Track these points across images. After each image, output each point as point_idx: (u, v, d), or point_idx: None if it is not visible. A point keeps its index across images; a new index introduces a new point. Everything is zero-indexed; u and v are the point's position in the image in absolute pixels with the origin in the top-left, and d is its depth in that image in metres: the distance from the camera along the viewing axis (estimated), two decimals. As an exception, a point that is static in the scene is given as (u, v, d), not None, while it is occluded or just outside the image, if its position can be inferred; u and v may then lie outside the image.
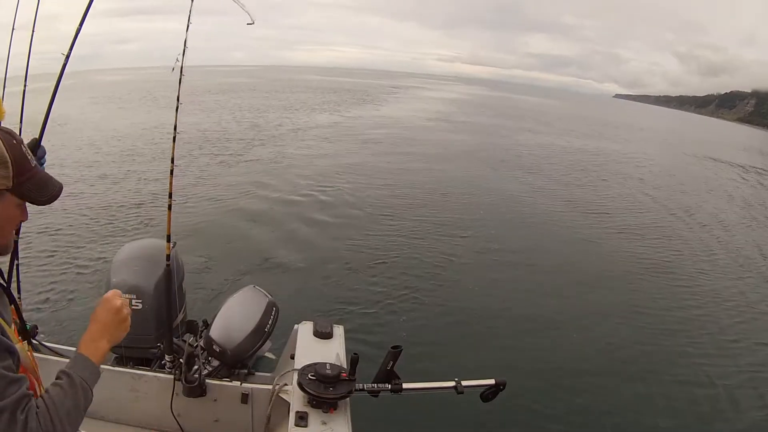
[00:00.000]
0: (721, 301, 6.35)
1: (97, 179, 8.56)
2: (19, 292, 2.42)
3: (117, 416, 1.98)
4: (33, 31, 2.55)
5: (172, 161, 2.35)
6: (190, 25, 2.27)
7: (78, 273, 5.09)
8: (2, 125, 0.98)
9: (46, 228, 6.16)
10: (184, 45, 2.24)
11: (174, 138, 2.37)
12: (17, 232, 2.28)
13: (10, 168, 0.90)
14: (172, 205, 2.19)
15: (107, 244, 5.83)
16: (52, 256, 5.42)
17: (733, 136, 53.72)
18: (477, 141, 19.10)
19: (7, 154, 0.89)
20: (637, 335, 5.21)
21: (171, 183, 2.21)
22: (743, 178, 17.71)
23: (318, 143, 14.83)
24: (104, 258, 5.31)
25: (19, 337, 1.01)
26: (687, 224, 10.23)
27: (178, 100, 2.33)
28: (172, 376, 1.96)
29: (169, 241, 2.11)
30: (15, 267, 2.44)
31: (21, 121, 2.49)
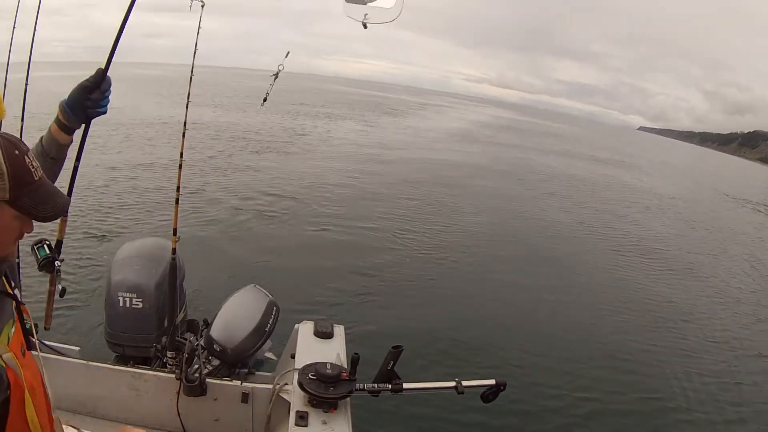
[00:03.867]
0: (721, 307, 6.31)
1: (97, 178, 8.56)
2: (20, 291, 2.42)
3: (117, 415, 1.99)
4: (34, 32, 2.55)
5: (181, 156, 2.38)
6: (203, 28, 2.31)
7: (79, 272, 5.09)
8: (7, 132, 0.94)
9: (47, 226, 6.16)
10: (195, 47, 2.27)
11: (183, 134, 2.43)
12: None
13: (7, 180, 0.85)
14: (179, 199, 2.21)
15: (108, 242, 5.83)
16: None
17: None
18: (498, 157, 19.19)
19: (3, 165, 0.84)
20: (640, 336, 5.21)
21: (179, 177, 2.22)
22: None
23: (332, 152, 14.84)
24: (105, 257, 5.31)
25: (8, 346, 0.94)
26: (691, 242, 10.23)
27: (188, 97, 2.38)
28: (172, 375, 1.96)
29: (175, 234, 2.11)
30: (17, 266, 2.44)
31: (22, 119, 2.49)
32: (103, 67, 1.20)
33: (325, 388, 1.61)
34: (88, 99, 1.17)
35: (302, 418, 1.55)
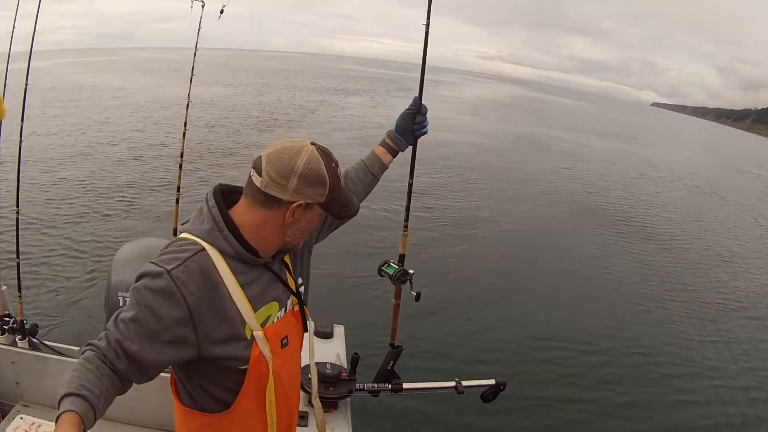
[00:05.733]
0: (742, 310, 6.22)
1: (96, 178, 8.56)
2: (19, 291, 2.43)
3: (117, 415, 1.98)
4: (34, 31, 2.55)
5: (182, 155, 2.40)
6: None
7: (79, 271, 5.09)
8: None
9: (47, 226, 6.17)
10: (195, 47, 2.29)
11: (183, 134, 2.44)
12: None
13: (327, 187, 1.01)
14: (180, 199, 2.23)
15: (108, 242, 5.84)
16: (53, 254, 5.42)
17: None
18: (508, 136, 19.12)
19: (327, 176, 1.01)
20: (640, 335, 5.20)
21: (180, 177, 2.25)
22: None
23: (343, 135, 14.69)
24: (105, 257, 5.31)
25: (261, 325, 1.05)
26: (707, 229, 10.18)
27: (188, 97, 2.39)
28: (172, 376, 1.96)
29: (175, 234, 2.12)
30: (17, 266, 2.45)
31: (22, 119, 2.49)
32: (417, 94, 1.50)
33: (325, 388, 1.61)
34: (414, 123, 1.45)
35: (302, 418, 1.56)
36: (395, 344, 1.84)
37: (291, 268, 1.18)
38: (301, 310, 1.19)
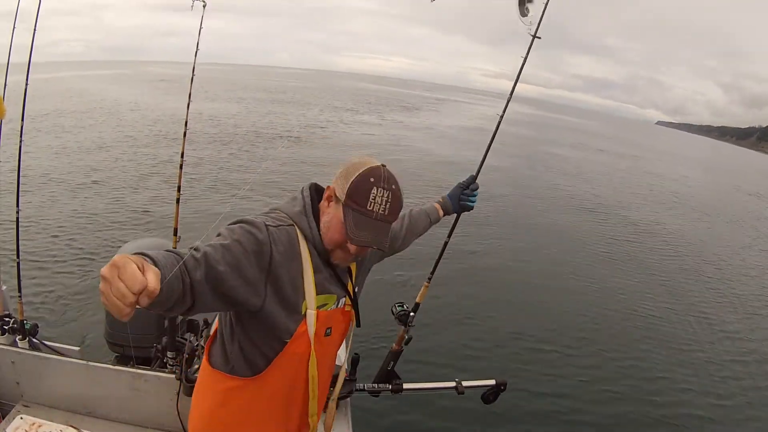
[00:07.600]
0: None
1: (99, 178, 8.56)
2: (20, 291, 2.43)
3: (117, 415, 1.98)
4: (34, 30, 2.54)
5: (182, 156, 2.41)
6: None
7: (79, 271, 5.09)
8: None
9: (48, 226, 6.17)
10: (197, 47, 2.29)
11: (184, 133, 2.45)
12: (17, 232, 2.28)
13: (347, 187, 1.05)
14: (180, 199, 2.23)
15: (108, 242, 5.84)
16: (54, 254, 5.42)
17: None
18: (510, 152, 19.16)
19: (358, 179, 1.05)
20: (640, 335, 5.20)
21: (180, 177, 2.26)
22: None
23: (346, 146, 14.78)
24: (105, 257, 5.31)
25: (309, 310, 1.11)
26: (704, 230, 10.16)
27: (189, 97, 2.40)
28: (173, 375, 1.95)
29: (176, 234, 2.13)
30: (17, 266, 2.45)
31: (23, 119, 2.48)
32: (475, 173, 1.74)
33: (325, 389, 1.60)
34: (463, 193, 1.68)
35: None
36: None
37: (354, 275, 1.28)
38: (356, 311, 1.29)
